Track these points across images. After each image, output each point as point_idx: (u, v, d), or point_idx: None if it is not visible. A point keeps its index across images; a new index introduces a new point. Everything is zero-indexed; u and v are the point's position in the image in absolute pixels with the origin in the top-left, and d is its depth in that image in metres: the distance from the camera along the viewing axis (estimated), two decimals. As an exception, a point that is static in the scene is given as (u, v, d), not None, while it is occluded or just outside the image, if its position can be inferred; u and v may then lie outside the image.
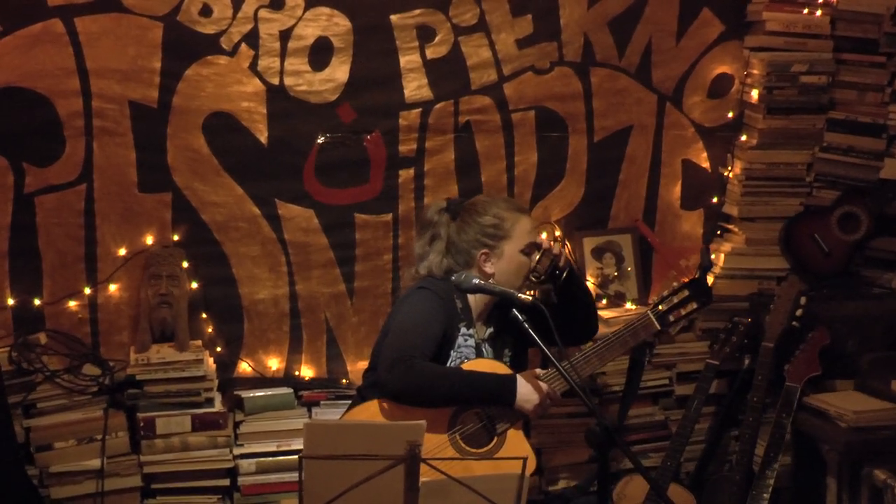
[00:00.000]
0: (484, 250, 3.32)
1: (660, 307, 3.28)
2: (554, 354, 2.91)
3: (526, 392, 3.15)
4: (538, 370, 3.27)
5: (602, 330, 4.08)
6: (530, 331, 2.97)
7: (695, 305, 3.26)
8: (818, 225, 4.21)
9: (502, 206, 3.37)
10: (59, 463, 3.72)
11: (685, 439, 3.89)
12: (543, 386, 3.18)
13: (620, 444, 2.80)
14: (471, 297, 3.33)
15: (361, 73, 3.97)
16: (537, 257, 3.23)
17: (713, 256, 4.32)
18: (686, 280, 3.29)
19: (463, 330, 3.30)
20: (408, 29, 3.98)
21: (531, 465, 3.06)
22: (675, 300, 3.24)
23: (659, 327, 3.28)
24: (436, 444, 3.12)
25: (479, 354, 3.31)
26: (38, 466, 3.72)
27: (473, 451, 3.15)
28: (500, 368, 3.24)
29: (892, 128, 4.19)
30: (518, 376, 3.18)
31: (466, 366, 3.22)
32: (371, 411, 3.17)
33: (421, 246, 3.41)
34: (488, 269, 3.32)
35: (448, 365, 3.24)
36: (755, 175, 4.23)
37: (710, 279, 3.62)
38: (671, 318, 3.24)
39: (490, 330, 3.39)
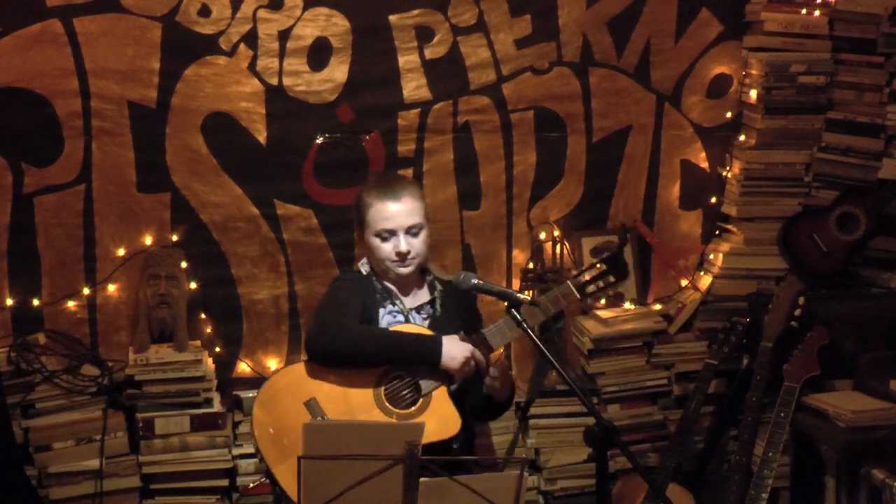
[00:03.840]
0: (357, 235, 3.43)
1: (579, 278, 3.32)
2: (552, 353, 2.91)
3: (451, 350, 3.18)
4: (461, 334, 3.28)
5: (599, 329, 4.10)
6: (529, 331, 2.97)
7: (612, 279, 3.31)
8: (817, 225, 4.21)
9: (371, 189, 3.40)
10: (57, 463, 3.72)
11: (684, 439, 3.90)
12: (468, 346, 3.22)
13: (620, 445, 2.80)
14: (398, 277, 3.37)
15: (360, 74, 3.97)
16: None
17: (711, 257, 4.33)
18: (606, 255, 3.37)
19: (389, 307, 3.35)
20: (406, 29, 3.98)
21: (455, 427, 3.15)
22: (595, 273, 3.30)
23: (579, 296, 3.32)
24: (360, 400, 3.17)
25: (407, 322, 3.36)
26: (37, 467, 3.72)
27: (398, 410, 3.20)
28: (425, 332, 3.28)
29: (890, 128, 4.19)
30: (443, 337, 3.22)
31: (393, 328, 3.29)
32: (297, 373, 3.23)
33: None
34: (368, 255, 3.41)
35: None
36: (754, 175, 4.23)
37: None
38: (589, 289, 3.30)
39: (422, 302, 3.42)
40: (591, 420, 2.78)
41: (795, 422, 3.78)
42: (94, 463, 3.72)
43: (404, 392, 3.22)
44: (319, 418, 3.14)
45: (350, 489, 2.41)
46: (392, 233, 3.31)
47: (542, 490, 4.11)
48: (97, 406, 3.78)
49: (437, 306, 3.41)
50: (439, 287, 3.45)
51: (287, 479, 3.08)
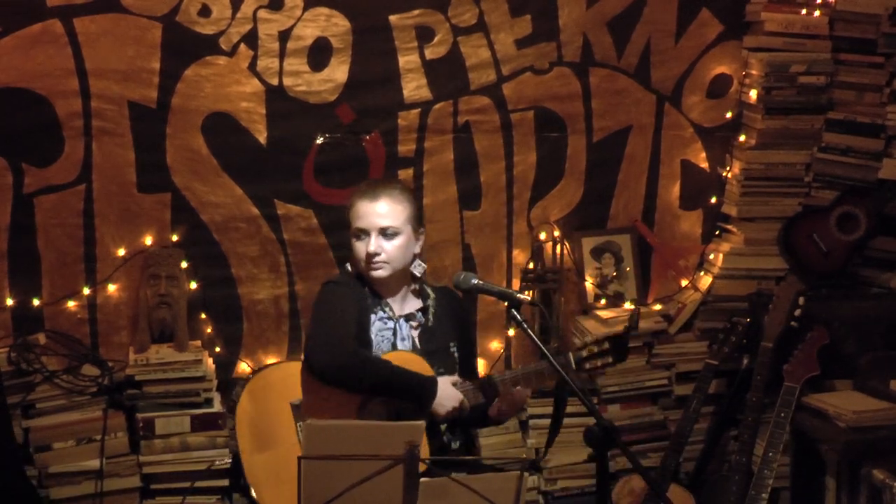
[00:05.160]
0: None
1: (582, 352, 3.34)
2: (550, 352, 2.92)
3: (444, 397, 3.20)
4: (456, 377, 3.29)
5: (599, 329, 4.10)
6: (529, 331, 2.97)
7: (610, 360, 3.34)
8: (817, 225, 4.21)
9: (357, 190, 3.38)
10: (58, 463, 3.72)
11: (684, 439, 3.90)
12: (459, 395, 3.23)
13: (620, 445, 2.80)
14: (376, 281, 3.34)
15: (360, 74, 3.97)
16: None
17: (712, 257, 4.33)
18: (613, 335, 3.38)
19: (380, 314, 3.33)
20: (407, 29, 3.98)
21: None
22: (596, 350, 3.33)
23: (576, 368, 3.34)
24: (341, 417, 3.16)
25: (394, 333, 3.33)
26: (38, 467, 3.72)
27: None
28: (417, 361, 3.27)
29: (890, 128, 4.19)
30: (439, 380, 3.22)
31: (387, 356, 3.26)
32: (290, 371, 3.24)
33: None
34: None
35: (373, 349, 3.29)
36: (754, 175, 4.23)
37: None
38: (587, 366, 3.33)
39: (411, 310, 3.39)
40: (591, 420, 2.78)
41: (796, 422, 3.78)
42: (94, 463, 3.72)
43: (384, 420, 3.20)
44: (299, 424, 3.14)
45: (350, 489, 2.41)
46: (365, 232, 3.29)
47: (543, 490, 4.11)
48: (97, 406, 3.78)
49: (430, 315, 3.39)
50: (432, 295, 3.43)
51: (252, 472, 3.09)
